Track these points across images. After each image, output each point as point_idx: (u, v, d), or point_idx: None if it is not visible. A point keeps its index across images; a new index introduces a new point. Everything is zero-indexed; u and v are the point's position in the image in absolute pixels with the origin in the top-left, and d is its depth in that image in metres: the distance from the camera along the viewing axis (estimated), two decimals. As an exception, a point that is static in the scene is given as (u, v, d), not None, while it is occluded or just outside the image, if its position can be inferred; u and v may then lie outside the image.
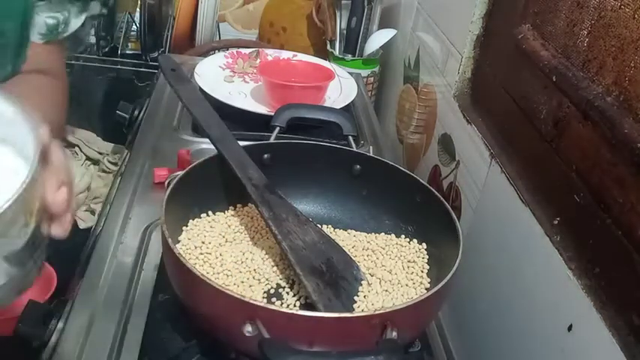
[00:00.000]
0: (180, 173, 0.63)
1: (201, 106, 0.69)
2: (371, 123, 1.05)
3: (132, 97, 1.06)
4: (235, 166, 0.63)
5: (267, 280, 0.60)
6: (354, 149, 0.74)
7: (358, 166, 0.71)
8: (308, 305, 0.58)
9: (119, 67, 1.51)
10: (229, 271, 0.60)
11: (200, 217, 0.66)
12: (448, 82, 0.92)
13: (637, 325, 0.48)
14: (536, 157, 0.67)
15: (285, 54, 1.12)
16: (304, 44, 1.45)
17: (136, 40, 1.54)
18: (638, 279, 0.48)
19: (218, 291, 0.48)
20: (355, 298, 0.58)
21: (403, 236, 0.68)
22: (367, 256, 0.65)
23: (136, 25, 1.51)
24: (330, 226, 0.70)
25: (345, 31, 1.30)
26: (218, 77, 1.04)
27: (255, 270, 0.60)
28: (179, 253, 0.52)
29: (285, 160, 0.71)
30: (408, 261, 0.65)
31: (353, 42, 1.29)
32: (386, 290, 0.60)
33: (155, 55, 1.52)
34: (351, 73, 1.10)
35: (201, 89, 0.93)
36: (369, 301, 0.58)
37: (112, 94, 1.47)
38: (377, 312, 0.48)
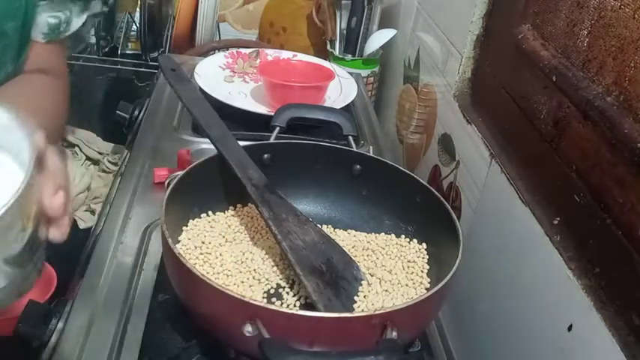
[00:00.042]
0: (180, 173, 0.63)
1: (201, 106, 0.69)
2: (371, 123, 1.05)
3: (132, 97, 1.06)
4: (235, 166, 0.63)
5: (267, 280, 0.60)
6: (354, 149, 0.74)
7: (358, 166, 0.71)
8: (308, 305, 0.58)
9: (119, 67, 1.51)
10: (229, 271, 0.60)
11: (200, 217, 0.66)
12: (448, 82, 0.92)
13: (637, 325, 0.48)
14: (536, 157, 0.67)
15: (285, 54, 1.12)
16: (304, 44, 1.45)
17: (136, 40, 1.54)
18: (638, 279, 0.48)
19: (218, 291, 0.48)
20: (355, 298, 0.58)
21: (403, 236, 0.68)
22: (367, 256, 0.65)
23: (136, 25, 1.51)
24: (330, 226, 0.70)
25: (345, 31, 1.30)
26: (218, 77, 1.04)
27: (255, 270, 0.61)
28: (179, 253, 0.52)
29: (285, 160, 0.71)
30: (408, 261, 0.65)
31: (353, 42, 1.29)
32: (386, 290, 0.60)
33: (155, 55, 1.52)
34: (351, 73, 1.10)
35: (201, 89, 0.93)
36: (369, 301, 0.58)
37: (112, 94, 1.47)
38: (377, 312, 0.48)
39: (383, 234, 0.69)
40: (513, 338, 0.66)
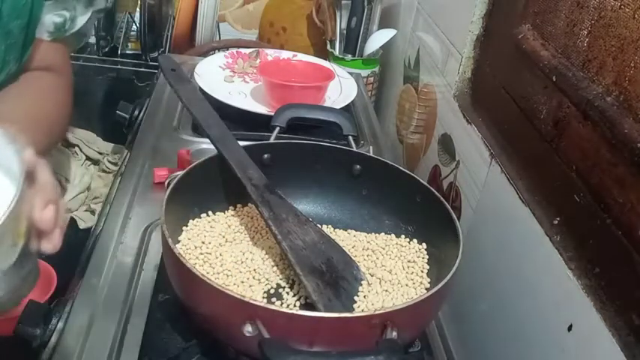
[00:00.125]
0: (180, 173, 0.63)
1: (201, 106, 0.69)
2: (371, 123, 1.05)
3: (132, 97, 1.06)
4: (235, 166, 0.63)
5: (267, 280, 0.60)
6: (354, 149, 0.74)
7: (358, 166, 0.71)
8: (308, 305, 0.58)
9: (119, 67, 1.51)
10: (229, 271, 0.60)
11: (200, 217, 0.66)
12: (448, 82, 0.92)
13: (637, 325, 0.48)
14: (536, 157, 0.67)
15: (285, 54, 1.12)
16: (304, 44, 1.45)
17: (136, 40, 1.54)
18: (638, 279, 0.48)
19: (218, 291, 0.48)
20: (355, 298, 0.58)
21: (403, 236, 0.68)
22: (367, 256, 0.65)
23: (136, 25, 1.51)
24: (330, 226, 0.70)
25: (345, 31, 1.30)
26: (218, 77, 1.04)
27: (255, 270, 0.60)
28: (179, 253, 0.52)
29: (285, 160, 0.71)
30: (408, 261, 0.65)
31: (353, 42, 1.29)
32: (386, 290, 0.60)
33: (155, 55, 1.52)
34: (351, 73, 1.10)
35: (201, 89, 0.93)
36: (369, 301, 0.58)
37: (112, 94, 1.47)
38: (377, 312, 0.48)
39: (383, 234, 0.69)
40: (513, 338, 0.66)
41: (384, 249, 0.66)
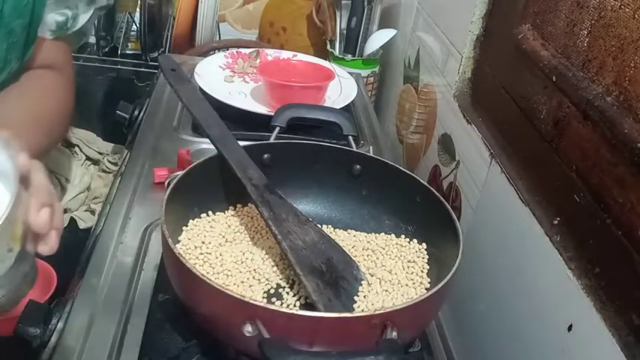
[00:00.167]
0: (180, 173, 0.63)
1: (201, 106, 0.69)
2: (371, 123, 1.05)
3: (132, 97, 1.06)
4: (235, 166, 0.63)
5: (267, 280, 0.60)
6: (354, 149, 0.74)
7: (358, 166, 0.71)
8: (308, 305, 0.58)
9: (119, 67, 1.51)
10: (229, 271, 0.60)
11: (200, 217, 0.66)
12: (448, 82, 0.92)
13: (637, 325, 0.48)
14: (536, 157, 0.67)
15: (285, 54, 1.12)
16: (304, 44, 1.45)
17: (136, 40, 1.54)
18: (638, 279, 0.48)
19: (218, 291, 0.48)
20: (355, 298, 0.58)
21: (403, 236, 0.68)
22: (367, 256, 0.65)
23: (136, 25, 1.51)
24: (330, 226, 0.70)
25: (345, 31, 1.30)
26: (218, 77, 1.04)
27: (255, 270, 0.60)
28: (179, 253, 0.52)
29: (285, 160, 0.71)
30: (408, 261, 0.65)
31: (353, 42, 1.29)
32: (386, 290, 0.60)
33: (155, 55, 1.52)
34: (351, 73, 1.10)
35: (201, 89, 0.93)
36: (369, 301, 0.58)
37: (112, 94, 1.47)
38: (377, 312, 0.48)
39: (383, 234, 0.69)
40: (513, 338, 0.66)
41: (384, 249, 0.66)
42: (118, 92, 1.48)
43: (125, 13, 1.51)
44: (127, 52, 1.55)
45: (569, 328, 0.55)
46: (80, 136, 1.03)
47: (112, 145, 1.07)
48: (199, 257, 0.61)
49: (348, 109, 0.97)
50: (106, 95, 1.48)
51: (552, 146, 0.63)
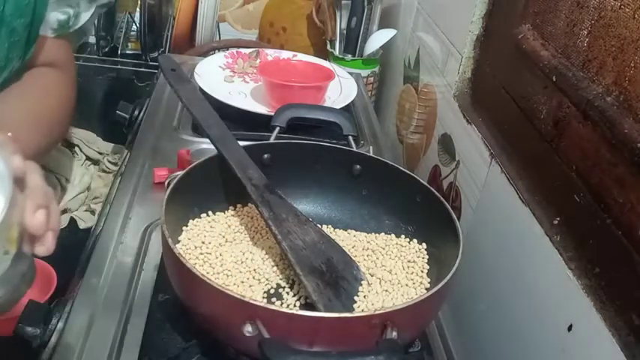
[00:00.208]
0: (180, 173, 0.63)
1: (201, 106, 0.69)
2: (371, 123, 1.05)
3: (132, 97, 1.06)
4: (235, 166, 0.63)
5: (267, 280, 0.60)
6: (354, 149, 0.74)
7: (358, 166, 0.71)
8: (308, 305, 0.58)
9: (119, 67, 1.51)
10: (229, 271, 0.60)
11: (200, 217, 0.66)
12: (448, 82, 0.92)
13: (637, 325, 0.48)
14: (536, 157, 0.67)
15: (285, 54, 1.12)
16: (304, 44, 1.45)
17: (136, 40, 1.54)
18: (638, 279, 0.48)
19: (218, 291, 0.48)
20: (355, 298, 0.58)
21: (403, 236, 0.68)
22: (367, 256, 0.65)
23: (136, 25, 1.51)
24: (330, 226, 0.70)
25: (345, 31, 1.30)
26: (218, 77, 1.04)
27: (255, 270, 0.60)
28: (179, 253, 0.52)
29: (285, 160, 0.71)
30: (408, 261, 0.65)
31: (353, 42, 1.29)
32: (386, 290, 0.60)
33: (155, 55, 1.52)
34: (351, 73, 1.10)
35: (201, 89, 0.93)
36: (369, 301, 0.58)
37: (112, 94, 1.47)
38: (377, 312, 0.48)
39: (383, 234, 0.69)
40: (513, 338, 0.66)
41: (384, 249, 0.66)
42: (118, 92, 1.48)
43: (125, 13, 1.51)
44: (127, 52, 1.55)
45: (569, 328, 0.55)
46: (80, 136, 1.03)
47: (112, 145, 1.07)
48: (199, 257, 0.61)
49: (348, 109, 0.97)
50: (106, 95, 1.48)
51: (552, 146, 0.63)
